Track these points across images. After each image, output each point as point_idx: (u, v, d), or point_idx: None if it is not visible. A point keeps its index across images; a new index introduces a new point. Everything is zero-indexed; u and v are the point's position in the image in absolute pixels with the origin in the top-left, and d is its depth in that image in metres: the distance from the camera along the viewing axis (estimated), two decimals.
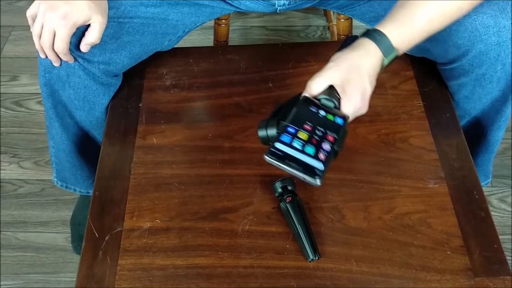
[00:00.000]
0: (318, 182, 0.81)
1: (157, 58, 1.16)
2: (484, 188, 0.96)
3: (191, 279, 0.86)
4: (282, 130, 0.85)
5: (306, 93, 0.90)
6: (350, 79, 0.88)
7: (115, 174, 0.99)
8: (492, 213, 0.92)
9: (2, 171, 1.54)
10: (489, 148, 1.18)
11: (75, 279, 0.87)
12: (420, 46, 0.94)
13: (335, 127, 0.87)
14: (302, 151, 0.83)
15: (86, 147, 1.19)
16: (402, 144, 1.00)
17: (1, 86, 1.74)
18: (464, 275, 0.84)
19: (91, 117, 1.12)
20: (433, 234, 0.89)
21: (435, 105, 1.06)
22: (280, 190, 0.91)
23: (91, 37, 0.94)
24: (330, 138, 0.86)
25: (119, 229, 0.91)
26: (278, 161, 0.82)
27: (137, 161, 1.00)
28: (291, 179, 0.92)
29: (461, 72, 1.03)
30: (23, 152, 1.58)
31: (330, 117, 0.88)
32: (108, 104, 1.11)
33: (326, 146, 0.85)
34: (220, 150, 1.01)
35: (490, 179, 1.28)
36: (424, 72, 1.11)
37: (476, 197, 0.93)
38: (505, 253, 0.87)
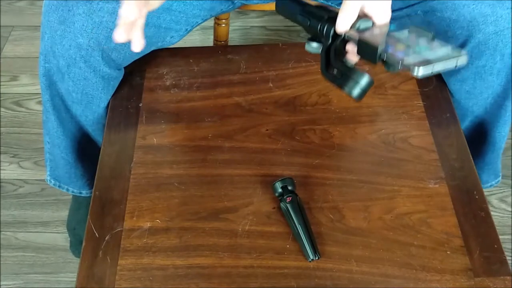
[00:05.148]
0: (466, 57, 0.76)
1: (157, 58, 1.16)
2: (484, 188, 0.96)
3: (191, 279, 0.86)
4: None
5: (342, 23, 0.83)
6: None
7: (115, 174, 0.99)
8: (492, 213, 0.92)
9: (2, 171, 1.54)
10: (496, 145, 1.17)
11: (75, 279, 0.87)
12: None
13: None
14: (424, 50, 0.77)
15: (81, 144, 1.19)
16: (402, 144, 1.00)
17: (1, 86, 1.74)
18: (464, 275, 0.84)
19: (87, 112, 1.11)
20: (433, 234, 0.89)
21: (435, 105, 1.06)
22: (280, 190, 0.91)
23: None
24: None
25: (119, 229, 0.91)
26: (430, 67, 0.74)
27: (137, 161, 1.00)
28: (291, 179, 0.92)
29: None
30: (23, 152, 1.58)
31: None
32: (108, 103, 1.11)
33: (423, 39, 0.79)
34: (220, 150, 1.01)
35: (500, 177, 1.26)
36: None
37: (476, 197, 0.93)
38: (505, 253, 0.87)
